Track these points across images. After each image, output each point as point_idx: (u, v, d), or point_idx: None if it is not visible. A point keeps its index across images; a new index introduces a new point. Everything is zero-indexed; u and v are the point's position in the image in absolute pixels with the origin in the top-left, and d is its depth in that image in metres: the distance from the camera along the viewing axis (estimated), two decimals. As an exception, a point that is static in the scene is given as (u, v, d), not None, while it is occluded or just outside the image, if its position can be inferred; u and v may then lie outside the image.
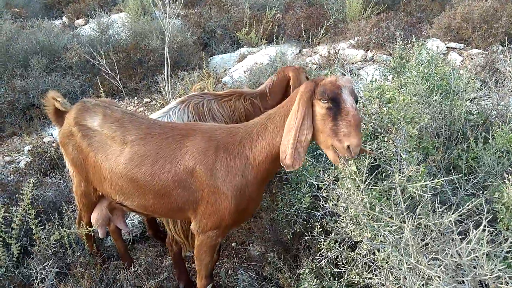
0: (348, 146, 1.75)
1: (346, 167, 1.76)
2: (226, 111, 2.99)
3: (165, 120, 2.74)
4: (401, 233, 1.70)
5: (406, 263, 1.62)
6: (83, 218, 2.56)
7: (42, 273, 2.40)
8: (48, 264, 2.45)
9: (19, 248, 2.58)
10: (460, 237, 1.58)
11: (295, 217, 2.53)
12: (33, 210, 2.53)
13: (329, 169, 2.27)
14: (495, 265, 1.46)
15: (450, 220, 1.60)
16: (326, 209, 2.24)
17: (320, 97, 1.80)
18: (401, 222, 1.68)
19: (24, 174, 3.71)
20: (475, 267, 1.52)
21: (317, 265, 2.14)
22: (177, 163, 2.05)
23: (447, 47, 5.35)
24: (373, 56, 5.57)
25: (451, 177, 1.75)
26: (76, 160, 2.28)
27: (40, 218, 2.84)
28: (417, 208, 1.80)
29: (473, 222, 1.68)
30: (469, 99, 2.91)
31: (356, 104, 1.85)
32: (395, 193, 1.80)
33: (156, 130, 2.15)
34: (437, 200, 1.74)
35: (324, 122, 1.81)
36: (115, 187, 2.19)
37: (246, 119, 2.93)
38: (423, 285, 1.59)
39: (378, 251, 1.75)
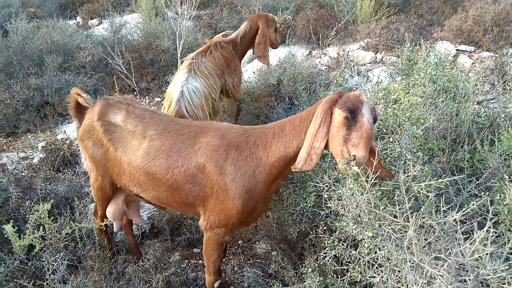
0: (354, 156, 1.79)
1: (349, 168, 1.79)
2: (211, 62, 3.52)
3: (189, 89, 3.28)
4: (405, 232, 1.73)
5: (409, 261, 1.65)
6: (98, 210, 2.64)
7: (53, 265, 2.47)
8: (60, 256, 2.52)
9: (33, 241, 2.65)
10: (464, 236, 1.60)
11: (300, 216, 2.56)
12: (48, 205, 2.61)
13: (331, 170, 2.30)
14: (498, 265, 1.48)
15: (455, 219, 1.62)
16: (331, 208, 2.27)
17: (340, 106, 1.84)
18: (405, 221, 1.71)
19: (37, 170, 3.81)
20: (477, 267, 1.54)
21: (321, 263, 2.17)
22: (189, 158, 2.12)
23: (457, 50, 5.33)
24: (382, 58, 5.57)
25: (454, 178, 1.77)
26: (96, 155, 2.36)
27: (52, 212, 2.93)
28: (420, 208, 1.82)
29: (476, 223, 1.70)
30: (477, 102, 2.92)
31: (375, 123, 1.90)
32: (400, 192, 1.83)
33: (173, 126, 2.23)
34: (442, 200, 1.76)
35: (338, 130, 1.84)
36: (133, 180, 2.28)
37: (226, 64, 3.65)
38: (426, 283, 1.62)
39: (380, 249, 1.78)
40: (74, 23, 8.59)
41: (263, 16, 3.86)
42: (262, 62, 3.98)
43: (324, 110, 1.87)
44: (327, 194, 2.00)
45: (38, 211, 2.60)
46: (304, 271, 2.24)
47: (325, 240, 2.16)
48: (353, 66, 5.00)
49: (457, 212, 1.62)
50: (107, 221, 2.63)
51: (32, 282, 2.43)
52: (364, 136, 1.77)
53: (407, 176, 1.80)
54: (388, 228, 1.74)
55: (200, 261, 2.97)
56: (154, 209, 3.32)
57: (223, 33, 3.98)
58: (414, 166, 1.82)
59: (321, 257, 2.16)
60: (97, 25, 8.31)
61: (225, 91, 3.78)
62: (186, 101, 3.23)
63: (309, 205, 2.44)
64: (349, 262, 2.06)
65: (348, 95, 1.87)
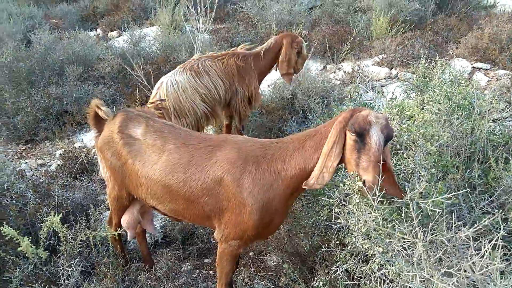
0: (364, 180, 1.82)
1: (353, 183, 1.80)
2: (218, 66, 3.60)
3: (169, 80, 3.44)
4: (415, 248, 1.73)
5: (419, 277, 1.65)
6: (113, 219, 2.69)
7: (68, 271, 2.52)
8: (74, 262, 2.56)
9: (48, 246, 2.71)
10: (476, 253, 1.59)
11: (312, 229, 2.57)
12: (62, 211, 2.67)
13: (342, 185, 2.30)
14: (508, 281, 1.47)
15: (467, 235, 1.62)
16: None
17: (349, 129, 1.88)
18: (413, 238, 1.71)
19: (55, 177, 3.90)
20: (488, 283, 1.53)
21: (332, 277, 2.17)
22: (206, 172, 2.15)
23: (473, 67, 5.31)
24: (397, 73, 5.58)
25: (461, 192, 1.77)
26: (114, 166, 2.41)
27: (68, 219, 2.99)
28: (432, 225, 1.82)
29: (488, 240, 1.70)
30: (492, 120, 2.91)
31: (390, 139, 1.92)
32: (412, 208, 1.83)
33: (191, 140, 2.27)
34: (455, 217, 1.75)
35: (351, 153, 1.89)
36: (150, 192, 2.32)
37: (238, 74, 3.68)
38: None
39: (391, 265, 1.78)
40: (95, 35, 8.81)
41: (289, 35, 3.90)
42: (284, 79, 4.05)
43: (338, 131, 1.92)
44: (337, 209, 2.01)
45: (51, 219, 2.65)
46: (315, 285, 2.23)
47: (337, 254, 2.16)
48: (368, 81, 5.02)
49: (469, 229, 1.62)
50: (121, 229, 2.68)
51: (46, 287, 2.47)
52: (372, 160, 1.80)
53: (414, 193, 1.81)
54: (398, 244, 1.74)
55: (211, 272, 2.99)
56: (167, 219, 3.36)
57: (246, 45, 4.01)
58: (428, 183, 1.83)
59: (333, 271, 2.16)
60: (117, 37, 8.51)
61: (234, 101, 3.78)
62: (162, 90, 3.43)
63: (321, 218, 2.45)
64: (361, 277, 2.05)
65: (357, 116, 1.89)
